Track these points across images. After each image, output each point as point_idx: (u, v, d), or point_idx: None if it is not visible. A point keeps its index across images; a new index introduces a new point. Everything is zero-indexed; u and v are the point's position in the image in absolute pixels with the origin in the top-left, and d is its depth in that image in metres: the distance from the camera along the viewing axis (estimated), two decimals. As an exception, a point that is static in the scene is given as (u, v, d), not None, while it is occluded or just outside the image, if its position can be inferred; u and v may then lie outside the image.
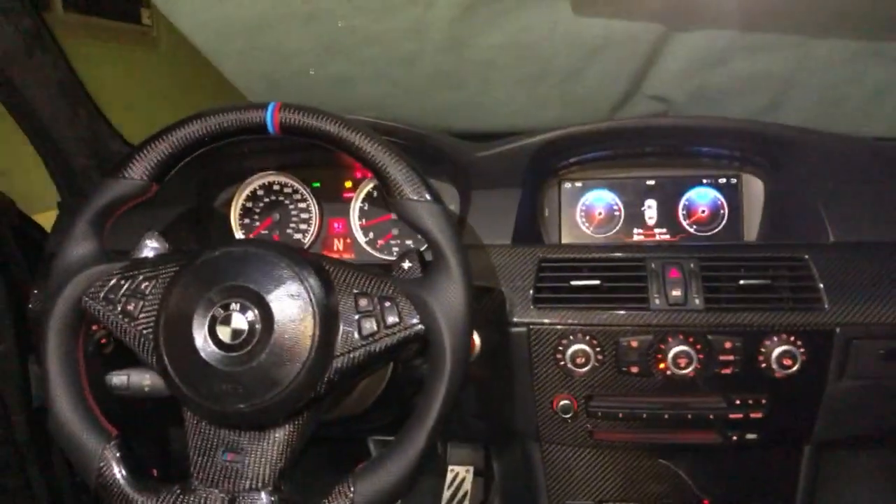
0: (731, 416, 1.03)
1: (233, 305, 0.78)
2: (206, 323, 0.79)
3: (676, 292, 1.02)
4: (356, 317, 0.81)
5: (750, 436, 1.04)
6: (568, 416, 1.03)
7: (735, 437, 1.04)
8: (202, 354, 0.79)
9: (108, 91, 1.31)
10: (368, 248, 1.27)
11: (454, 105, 1.45)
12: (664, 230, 1.24)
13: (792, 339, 0.99)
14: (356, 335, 0.81)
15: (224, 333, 0.78)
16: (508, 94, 1.44)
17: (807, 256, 1.03)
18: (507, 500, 1.48)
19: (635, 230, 1.25)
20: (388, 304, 0.82)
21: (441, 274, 0.83)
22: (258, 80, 1.28)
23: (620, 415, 1.04)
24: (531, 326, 1.02)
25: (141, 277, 0.85)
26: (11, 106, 1.13)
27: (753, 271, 1.03)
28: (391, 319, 0.82)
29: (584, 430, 1.06)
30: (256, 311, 0.78)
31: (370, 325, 0.82)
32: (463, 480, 1.72)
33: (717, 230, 1.23)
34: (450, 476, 1.71)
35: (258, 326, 0.78)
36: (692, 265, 1.04)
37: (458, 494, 1.71)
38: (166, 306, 0.81)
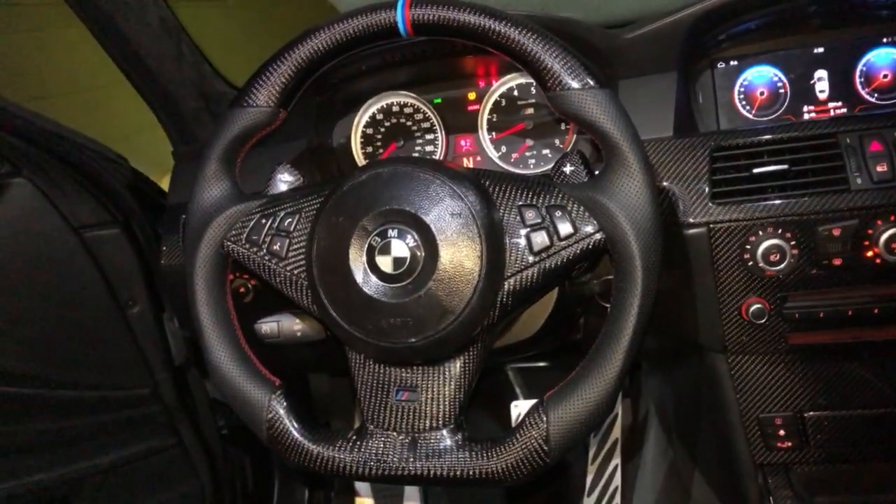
0: None
1: (390, 232, 0.71)
2: (364, 254, 0.72)
3: (881, 167, 0.88)
4: (525, 231, 0.72)
5: None
6: (761, 321, 0.92)
7: None
8: (364, 289, 0.72)
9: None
10: (502, 164, 1.16)
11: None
12: (840, 104, 1.08)
13: None
14: (527, 251, 0.72)
15: (385, 263, 0.71)
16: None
17: None
18: (673, 421, 1.39)
19: (805, 108, 1.09)
20: (558, 213, 0.73)
21: (617, 170, 0.73)
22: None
23: (821, 314, 0.92)
24: (712, 225, 0.91)
25: (283, 214, 0.79)
26: (115, 49, 1.07)
27: None
28: (565, 230, 0.72)
29: (777, 336, 0.95)
30: (416, 235, 0.71)
31: (542, 239, 0.72)
32: None
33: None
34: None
35: (420, 252, 0.70)
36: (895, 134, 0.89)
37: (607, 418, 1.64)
38: (316, 241, 0.74)
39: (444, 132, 1.16)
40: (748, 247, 0.90)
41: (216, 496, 1.41)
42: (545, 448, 0.71)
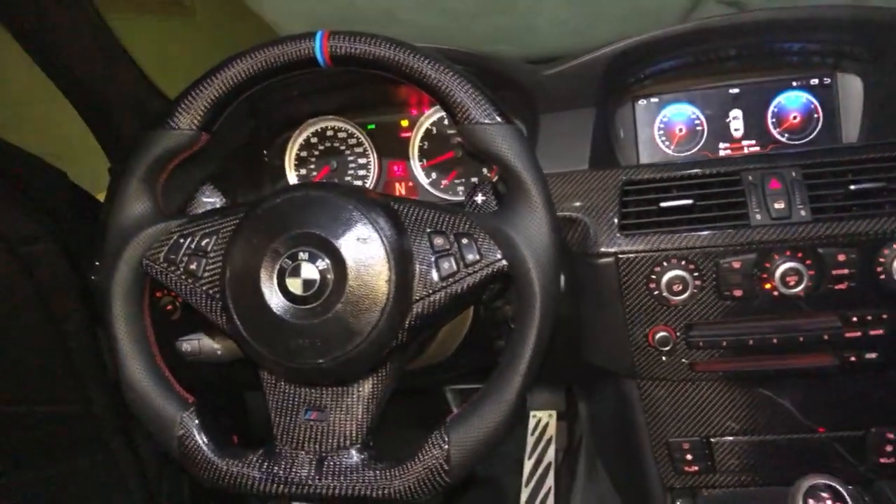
0: (848, 334, 0.94)
1: (301, 255, 0.73)
2: (275, 276, 0.74)
3: (779, 204, 0.92)
4: (433, 257, 0.75)
5: (870, 355, 0.95)
6: (666, 348, 0.95)
7: (853, 358, 0.95)
8: (273, 310, 0.74)
9: (150, 61, 1.25)
10: (432, 190, 1.19)
11: (504, 30, 1.36)
12: (753, 142, 1.13)
13: None
14: (435, 276, 0.75)
15: (294, 285, 0.73)
16: (561, 14, 1.34)
17: None
18: (598, 443, 1.42)
19: (721, 145, 1.14)
20: (465, 240, 0.76)
21: (520, 203, 0.76)
22: (299, 20, 1.21)
23: (724, 343, 0.96)
24: (620, 256, 0.94)
25: (200, 234, 0.80)
26: (51, 69, 1.09)
27: (863, 174, 0.93)
28: (471, 257, 0.75)
29: (685, 363, 0.98)
30: (327, 259, 0.73)
31: (449, 265, 0.75)
32: (546, 426, 1.67)
33: (811, 136, 1.12)
34: (532, 422, 1.67)
35: (330, 275, 0.72)
36: (794, 174, 0.94)
37: (542, 440, 1.66)
38: (230, 262, 0.75)
39: (376, 157, 1.20)
40: (654, 277, 0.94)
41: None
42: (446, 468, 0.73)
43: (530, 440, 1.65)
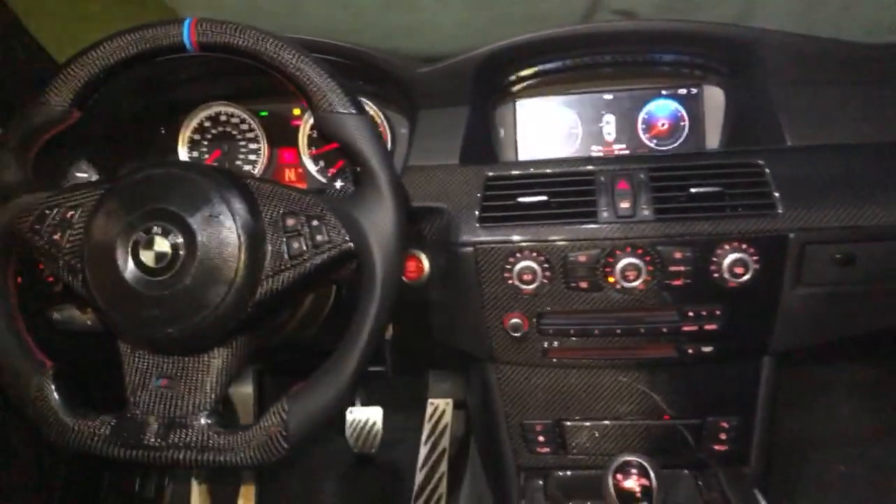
0: (685, 328, 1.01)
1: (155, 229, 0.77)
2: (129, 248, 0.78)
3: (625, 204, 0.99)
4: (283, 237, 0.80)
5: (706, 348, 1.02)
6: (518, 334, 1.01)
7: (691, 351, 1.03)
8: (127, 280, 0.78)
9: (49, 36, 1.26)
10: (319, 177, 1.24)
11: (409, 27, 1.40)
12: (623, 146, 1.20)
13: (744, 246, 0.96)
14: (285, 255, 0.79)
15: (147, 257, 0.77)
16: (465, 14, 1.39)
17: (761, 161, 1.00)
18: (472, 426, 1.49)
19: (594, 147, 1.21)
20: (315, 222, 0.80)
21: (369, 190, 0.81)
22: (200, 7, 1.23)
23: (572, 331, 1.02)
24: (478, 245, 1.00)
25: (67, 206, 0.84)
26: None
27: (705, 179, 1.00)
28: (319, 238, 0.80)
29: (537, 349, 1.04)
30: (179, 234, 0.77)
31: (298, 245, 0.80)
32: (443, 413, 1.72)
33: (677, 143, 1.19)
34: (429, 409, 1.72)
35: (181, 250, 0.77)
36: (642, 176, 1.01)
37: (438, 427, 1.72)
38: (90, 234, 0.79)
39: (266, 144, 1.24)
40: (507, 266, 1.00)
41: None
42: (284, 434, 0.78)
43: (427, 427, 1.70)
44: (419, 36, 1.42)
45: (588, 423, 1.09)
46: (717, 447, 1.07)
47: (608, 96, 1.20)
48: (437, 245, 1.03)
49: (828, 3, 1.38)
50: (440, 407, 1.72)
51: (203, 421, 0.82)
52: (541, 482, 1.09)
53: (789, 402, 1.78)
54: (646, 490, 0.81)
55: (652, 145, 1.20)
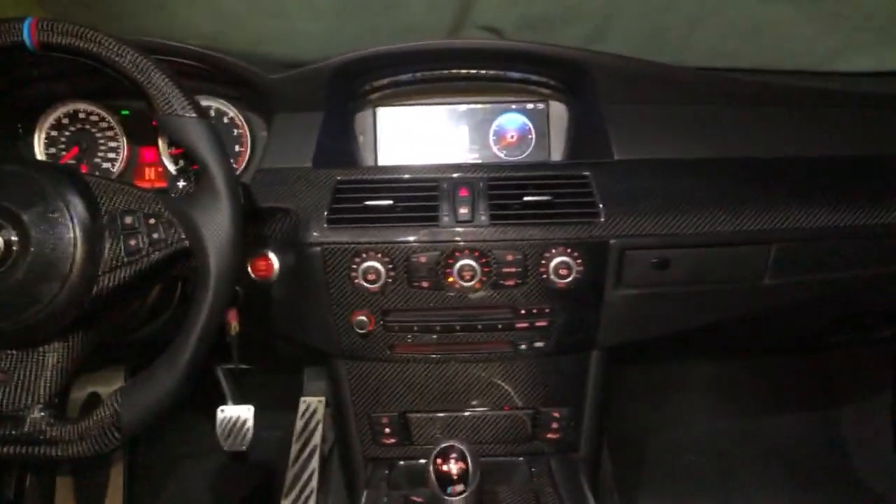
0: (518, 325, 1.09)
1: None
2: None
3: (464, 210, 1.06)
4: (121, 234, 0.82)
5: (538, 344, 1.11)
6: (363, 330, 1.07)
7: (524, 346, 1.11)
8: None
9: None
10: (181, 177, 1.26)
11: (277, 34, 1.43)
12: (476, 155, 1.28)
13: (569, 250, 1.05)
14: (122, 252, 0.82)
15: None
16: (335, 24, 1.44)
17: (588, 173, 1.09)
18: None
19: (449, 155, 1.28)
20: (153, 220, 0.83)
21: (207, 191, 0.85)
22: (71, 4, 1.23)
23: (415, 328, 1.08)
24: (325, 246, 1.05)
25: None
26: None
27: (538, 189, 1.08)
28: (156, 236, 0.83)
29: (384, 345, 1.10)
30: (12, 230, 0.78)
31: (135, 242, 0.83)
32: (315, 411, 1.76)
33: (525, 154, 1.28)
34: (302, 407, 1.75)
35: (15, 246, 0.78)
36: (481, 185, 1.08)
37: (310, 425, 1.75)
38: None
39: (126, 142, 1.24)
40: (354, 266, 1.05)
41: None
42: (117, 425, 0.80)
43: (299, 424, 1.73)
44: (288, 43, 1.45)
45: (432, 415, 1.16)
46: (549, 436, 1.16)
47: (463, 108, 1.28)
48: (286, 245, 1.07)
49: (671, 30, 1.51)
50: (312, 405, 1.76)
51: (37, 414, 0.83)
52: (386, 471, 1.15)
53: (646, 397, 1.92)
54: (463, 473, 0.88)
55: (502, 156, 1.28)
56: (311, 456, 1.71)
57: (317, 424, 1.74)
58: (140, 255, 0.83)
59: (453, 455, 0.89)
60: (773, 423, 1.93)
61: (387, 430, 1.15)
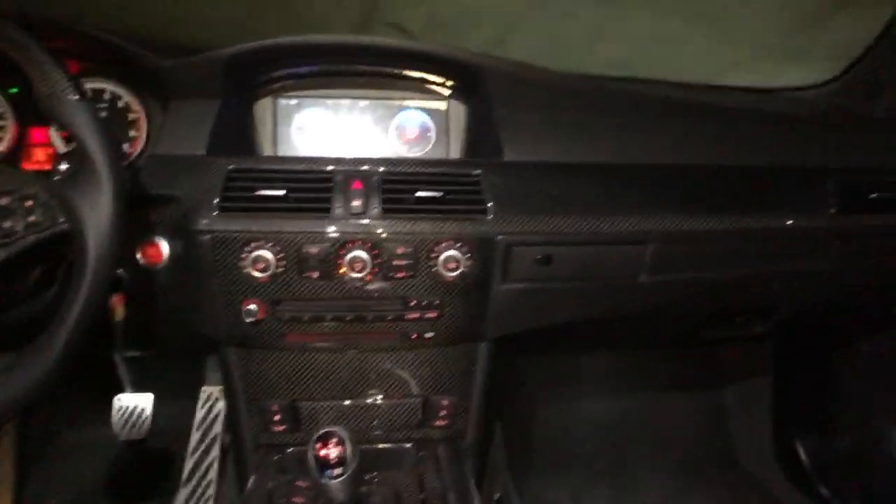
0: (409, 316, 1.12)
1: None
2: None
3: (357, 202, 1.08)
4: None
5: (428, 334, 1.14)
6: (251, 319, 1.07)
7: (415, 336, 1.14)
8: None
9: None
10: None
11: (183, 19, 1.42)
12: (376, 150, 1.30)
13: (458, 245, 1.08)
14: None
15: None
16: (240, 12, 1.44)
17: (478, 172, 1.13)
18: None
19: (349, 148, 1.30)
20: (30, 203, 0.83)
21: (87, 174, 0.85)
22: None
23: (306, 318, 1.10)
24: (215, 233, 1.05)
25: None
26: None
27: (430, 185, 1.11)
28: (32, 218, 0.82)
29: (275, 334, 1.11)
30: None
31: (10, 224, 0.82)
32: (216, 400, 1.75)
33: (425, 151, 1.31)
34: (203, 396, 1.74)
35: None
36: (375, 178, 1.11)
37: (210, 414, 1.74)
38: None
39: (15, 122, 1.21)
40: (243, 256, 1.06)
41: None
42: None
43: (199, 413, 1.72)
44: (192, 28, 1.44)
45: (323, 403, 1.18)
46: (437, 423, 1.20)
47: (364, 103, 1.30)
48: (176, 232, 1.07)
49: (571, 38, 1.57)
50: (214, 393, 1.75)
51: None
52: (276, 457, 1.17)
53: (544, 386, 1.99)
54: (342, 457, 0.91)
55: (402, 151, 1.30)
56: (211, 445, 1.70)
57: (218, 413, 1.74)
58: (15, 237, 0.82)
59: (333, 440, 0.92)
60: (665, 412, 2.03)
61: (276, 417, 1.17)
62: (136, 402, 1.66)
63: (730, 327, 1.41)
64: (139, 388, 1.68)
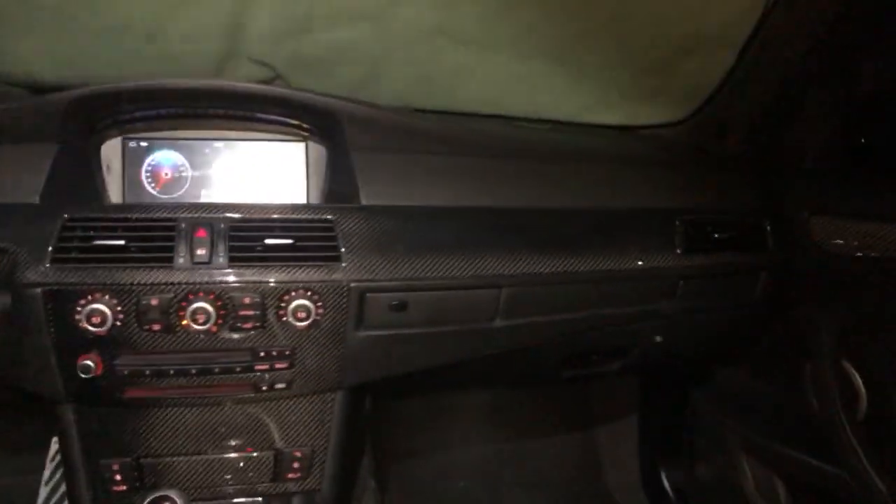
0: (258, 367, 1.09)
1: None
2: None
3: (201, 251, 1.05)
4: None
5: (279, 385, 1.11)
6: (88, 375, 1.01)
7: (265, 388, 1.11)
8: None
9: None
10: None
11: (38, 54, 1.34)
12: (232, 192, 1.27)
13: (309, 293, 1.07)
14: None
15: None
16: (94, 46, 1.37)
17: (331, 217, 1.12)
18: None
19: (203, 192, 1.26)
20: None
21: None
22: None
23: (147, 372, 1.05)
24: (46, 287, 0.99)
25: None
26: None
27: (281, 231, 1.09)
28: None
29: (114, 389, 1.06)
30: None
31: None
32: None
33: (283, 193, 1.28)
34: (53, 448, 1.64)
35: None
36: (222, 225, 1.07)
37: (61, 468, 1.64)
38: None
39: None
40: (79, 309, 1.00)
41: None
42: None
43: (49, 467, 1.62)
44: (52, 64, 1.36)
45: (168, 459, 1.13)
46: (290, 476, 1.17)
47: (218, 144, 1.26)
48: (2, 286, 1.00)
49: (436, 78, 1.59)
50: None
51: None
52: None
53: (418, 424, 1.99)
54: (174, 524, 0.87)
55: (260, 196, 1.27)
56: (61, 502, 1.60)
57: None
58: None
59: (166, 505, 0.88)
60: (538, 446, 2.07)
61: (118, 476, 1.11)
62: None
63: (587, 366, 1.45)
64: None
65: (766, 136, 1.55)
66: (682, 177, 1.46)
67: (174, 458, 1.13)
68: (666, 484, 1.87)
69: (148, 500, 0.88)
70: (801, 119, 1.51)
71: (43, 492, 1.61)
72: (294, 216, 1.12)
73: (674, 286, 1.33)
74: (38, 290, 0.99)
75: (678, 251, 1.32)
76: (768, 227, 1.44)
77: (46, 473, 1.61)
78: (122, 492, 1.11)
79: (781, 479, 1.53)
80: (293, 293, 1.07)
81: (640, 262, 1.28)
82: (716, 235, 1.38)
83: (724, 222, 1.41)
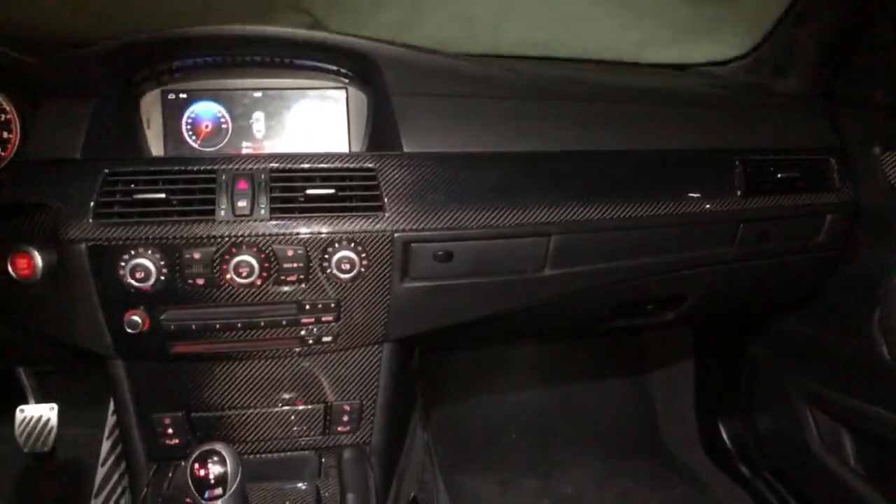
0: (304, 320, 1.07)
1: None
2: None
3: (242, 203, 1.03)
4: None
5: (326, 339, 1.10)
6: (136, 331, 1.01)
7: (311, 341, 1.09)
8: None
9: None
10: None
11: (70, 5, 1.33)
12: (273, 143, 1.24)
13: (353, 245, 1.04)
14: None
15: None
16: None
17: (373, 166, 1.08)
18: None
19: (244, 143, 1.24)
20: None
21: None
22: None
23: (193, 327, 1.05)
24: (90, 242, 0.99)
25: None
26: None
27: (323, 181, 1.06)
28: None
29: (160, 345, 1.06)
30: None
31: None
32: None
33: (324, 142, 1.25)
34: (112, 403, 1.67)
35: None
36: (263, 176, 1.05)
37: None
38: None
39: None
40: (122, 264, 0.99)
41: None
42: None
43: (110, 422, 1.65)
44: (70, 20, 1.34)
45: (218, 413, 1.13)
46: (340, 429, 1.16)
47: (258, 93, 1.23)
48: (48, 242, 1.00)
49: (480, 19, 1.53)
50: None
51: None
52: (170, 473, 1.11)
53: (469, 379, 1.97)
54: (220, 477, 0.86)
55: (300, 143, 1.24)
56: (122, 455, 1.63)
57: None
58: None
59: (214, 458, 0.87)
60: (589, 399, 2.03)
61: (170, 430, 1.11)
62: (39, 413, 1.58)
63: (640, 316, 1.40)
64: (44, 398, 1.60)
65: (831, 71, 1.44)
66: (741, 115, 1.37)
67: (225, 412, 1.13)
68: (724, 436, 1.82)
69: (194, 455, 0.87)
70: (869, 51, 1.40)
71: (105, 445, 1.65)
72: (336, 165, 1.08)
73: (734, 230, 1.26)
74: (83, 245, 0.99)
75: (738, 193, 1.25)
76: (835, 166, 1.35)
77: (107, 430, 1.65)
78: (175, 445, 1.12)
79: (849, 432, 1.46)
80: (337, 244, 1.04)
81: (696, 206, 1.21)
82: (778, 175, 1.30)
83: (787, 162, 1.32)
